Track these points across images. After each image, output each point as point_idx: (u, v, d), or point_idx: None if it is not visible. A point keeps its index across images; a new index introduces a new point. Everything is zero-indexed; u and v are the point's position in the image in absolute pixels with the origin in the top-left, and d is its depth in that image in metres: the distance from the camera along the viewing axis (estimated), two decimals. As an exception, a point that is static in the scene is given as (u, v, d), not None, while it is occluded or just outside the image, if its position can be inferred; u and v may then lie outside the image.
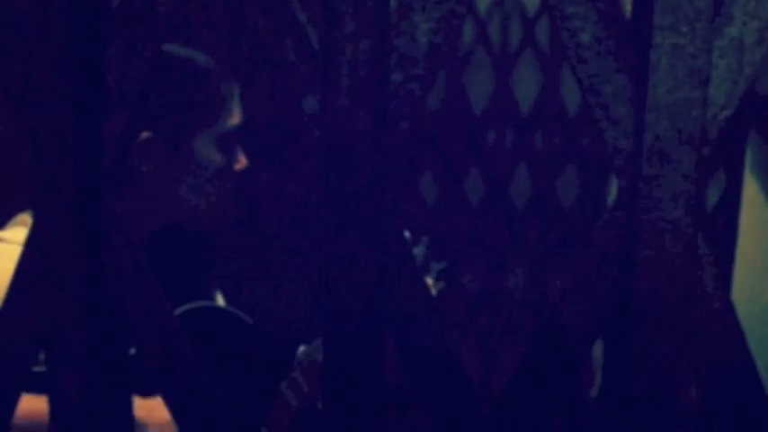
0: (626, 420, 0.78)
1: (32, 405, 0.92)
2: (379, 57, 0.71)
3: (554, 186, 2.37)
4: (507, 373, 2.39)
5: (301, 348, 1.24)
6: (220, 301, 1.40)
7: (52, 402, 0.78)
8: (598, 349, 0.85)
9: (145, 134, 1.17)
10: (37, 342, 0.78)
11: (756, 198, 2.19)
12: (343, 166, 0.72)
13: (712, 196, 2.23)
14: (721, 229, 2.19)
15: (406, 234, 1.07)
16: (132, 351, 0.80)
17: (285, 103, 0.70)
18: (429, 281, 1.51)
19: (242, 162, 1.27)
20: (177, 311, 1.17)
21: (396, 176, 0.73)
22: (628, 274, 0.74)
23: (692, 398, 1.05)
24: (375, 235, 0.74)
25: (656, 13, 0.68)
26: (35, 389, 0.83)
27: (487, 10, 2.35)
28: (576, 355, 0.80)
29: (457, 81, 2.31)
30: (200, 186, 1.22)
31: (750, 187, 2.19)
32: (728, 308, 0.76)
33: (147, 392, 1.13)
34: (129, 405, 0.82)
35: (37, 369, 0.81)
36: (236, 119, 1.24)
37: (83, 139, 0.76)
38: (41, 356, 0.83)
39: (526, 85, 2.40)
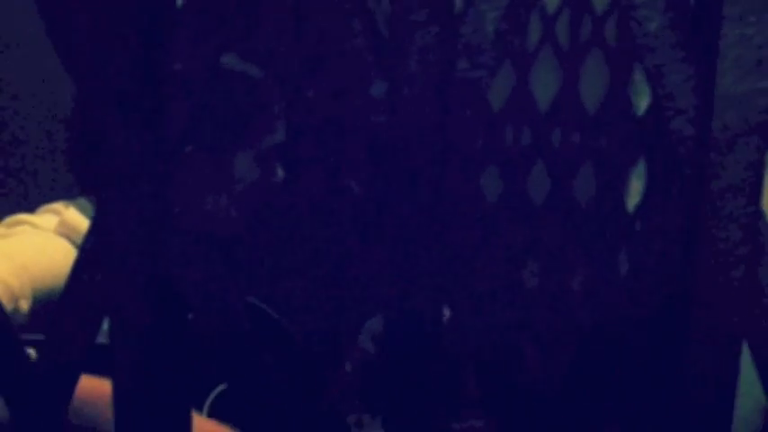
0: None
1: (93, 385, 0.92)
2: (446, 44, 0.72)
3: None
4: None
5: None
6: None
7: (114, 374, 0.79)
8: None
9: (188, 148, 1.17)
10: (101, 314, 0.79)
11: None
12: (409, 153, 0.73)
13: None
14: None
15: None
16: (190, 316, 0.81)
17: (350, 90, 0.70)
18: None
19: (279, 176, 1.26)
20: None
21: (459, 164, 0.74)
22: (685, 267, 0.75)
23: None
24: (438, 221, 0.75)
25: (724, 3, 0.68)
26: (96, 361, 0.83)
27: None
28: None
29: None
30: (233, 197, 1.22)
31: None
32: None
33: None
34: (189, 376, 0.83)
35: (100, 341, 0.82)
36: (280, 136, 1.23)
37: (149, 127, 0.76)
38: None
39: (543, 83, 2.40)
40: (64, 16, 0.72)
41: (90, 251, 0.77)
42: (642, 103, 0.81)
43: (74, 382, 0.81)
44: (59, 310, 0.78)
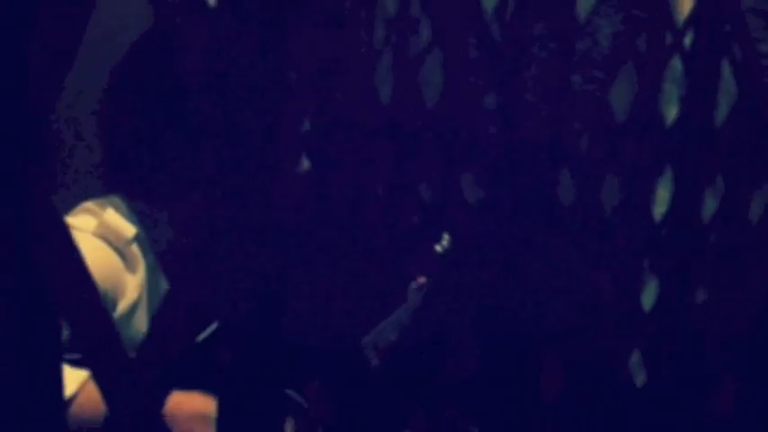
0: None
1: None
2: (563, 58, 0.73)
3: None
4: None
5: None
6: None
7: (219, 374, 0.78)
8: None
9: None
10: (203, 316, 0.78)
11: None
12: (523, 163, 0.74)
13: None
14: None
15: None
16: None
17: (463, 99, 0.70)
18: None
19: (305, 167, 1.26)
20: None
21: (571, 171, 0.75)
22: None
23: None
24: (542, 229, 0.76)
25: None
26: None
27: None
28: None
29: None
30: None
31: None
32: None
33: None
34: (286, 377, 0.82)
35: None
36: (305, 126, 1.23)
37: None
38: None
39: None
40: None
41: (194, 255, 0.76)
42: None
43: (172, 382, 0.79)
44: (162, 310, 0.76)
